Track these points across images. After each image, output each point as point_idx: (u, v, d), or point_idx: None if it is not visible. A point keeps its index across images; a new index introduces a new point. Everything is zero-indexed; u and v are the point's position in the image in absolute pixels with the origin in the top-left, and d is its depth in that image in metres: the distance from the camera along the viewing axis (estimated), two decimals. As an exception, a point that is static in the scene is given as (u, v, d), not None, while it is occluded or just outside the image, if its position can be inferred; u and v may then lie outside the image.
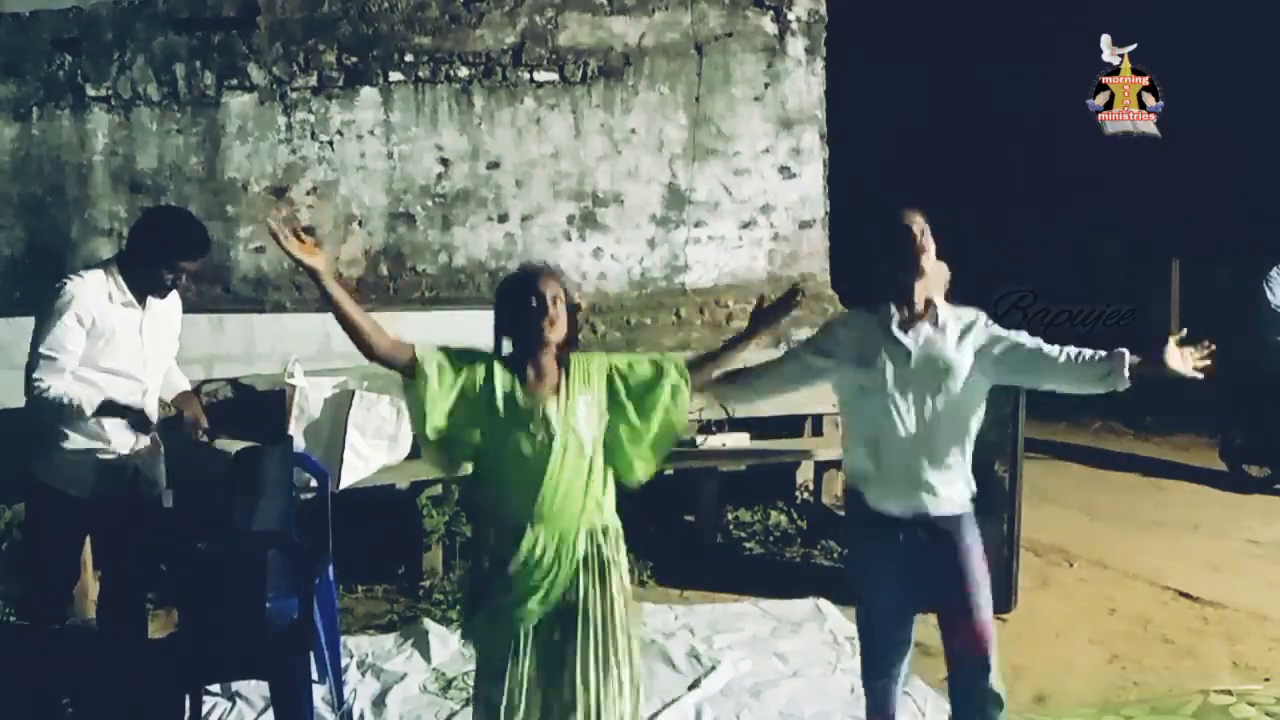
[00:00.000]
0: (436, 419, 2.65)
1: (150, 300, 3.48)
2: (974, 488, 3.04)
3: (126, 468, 3.46)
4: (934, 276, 2.99)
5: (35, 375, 3.27)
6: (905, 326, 2.97)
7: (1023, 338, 3.01)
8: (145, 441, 3.46)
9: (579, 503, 2.71)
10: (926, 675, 3.88)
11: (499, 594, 2.68)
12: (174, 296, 3.61)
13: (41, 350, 3.29)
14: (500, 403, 2.69)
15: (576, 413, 2.71)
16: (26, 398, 3.29)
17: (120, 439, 3.43)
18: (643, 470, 2.83)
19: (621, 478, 2.81)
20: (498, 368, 2.73)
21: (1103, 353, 2.95)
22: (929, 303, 2.99)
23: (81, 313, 3.31)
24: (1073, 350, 2.98)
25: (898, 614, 3.02)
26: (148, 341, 3.48)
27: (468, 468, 2.79)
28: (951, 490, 2.97)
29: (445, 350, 2.73)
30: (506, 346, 2.79)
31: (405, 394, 2.73)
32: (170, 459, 3.66)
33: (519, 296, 2.73)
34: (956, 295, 3.08)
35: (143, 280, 3.42)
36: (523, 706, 2.66)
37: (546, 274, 2.77)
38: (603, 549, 2.74)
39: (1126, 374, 2.91)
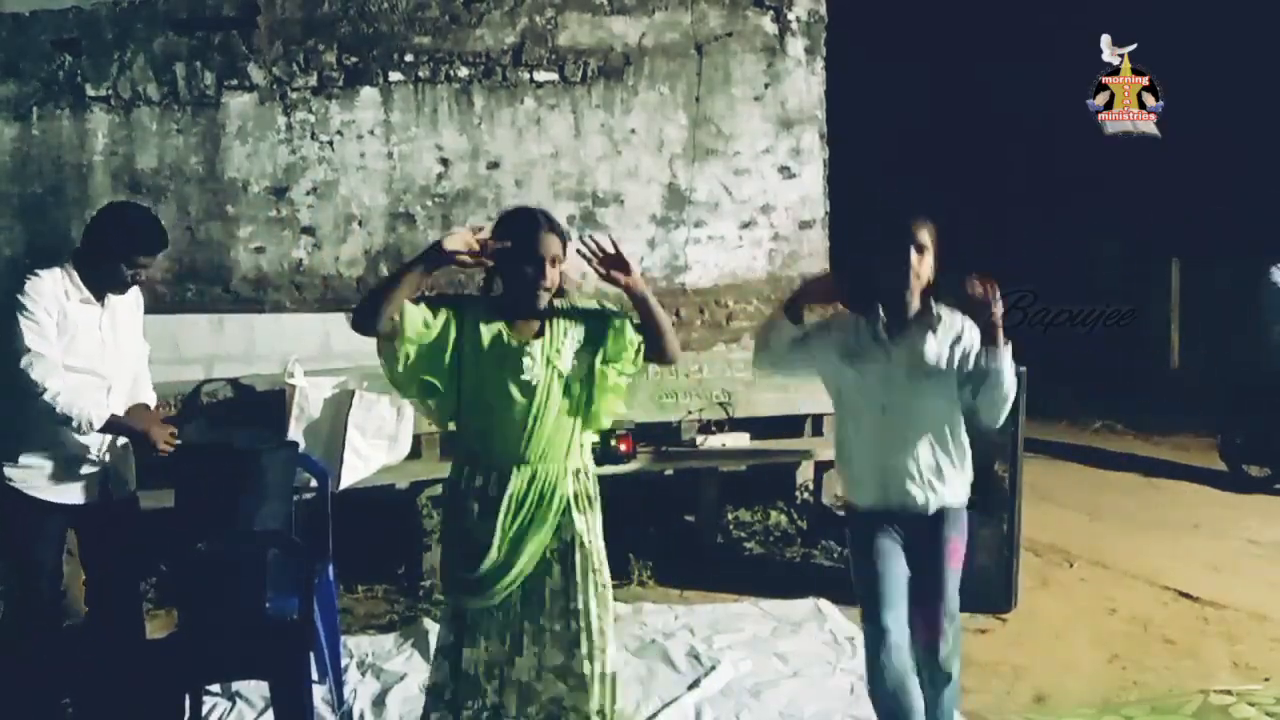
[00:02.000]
0: (409, 353, 2.68)
1: (109, 297, 3.43)
2: (966, 488, 3.10)
3: (97, 469, 3.42)
4: (927, 282, 3.04)
5: (34, 376, 3.19)
6: (892, 330, 3.03)
7: (984, 374, 3.02)
8: (106, 411, 3.36)
9: (564, 443, 2.76)
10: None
11: (487, 538, 2.69)
12: (134, 293, 3.56)
13: (26, 345, 3.20)
14: (486, 343, 2.72)
15: (563, 353, 2.75)
16: (25, 400, 3.21)
17: (91, 440, 3.38)
18: (605, 418, 2.85)
19: (585, 422, 2.84)
20: (483, 309, 2.77)
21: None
22: (923, 306, 3.04)
23: (50, 307, 3.26)
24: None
25: (893, 560, 3.05)
26: (108, 338, 3.43)
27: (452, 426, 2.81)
28: (934, 488, 3.03)
29: (424, 301, 2.75)
30: (498, 285, 2.83)
31: (382, 350, 2.74)
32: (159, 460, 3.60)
33: (517, 253, 2.72)
34: (954, 296, 3.10)
35: (100, 277, 3.36)
36: (487, 683, 2.74)
37: (546, 231, 2.74)
38: (589, 487, 2.82)
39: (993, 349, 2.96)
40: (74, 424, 3.23)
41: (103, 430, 3.29)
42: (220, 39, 5.76)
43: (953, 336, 3.03)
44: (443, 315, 2.73)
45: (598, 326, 2.82)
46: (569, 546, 2.76)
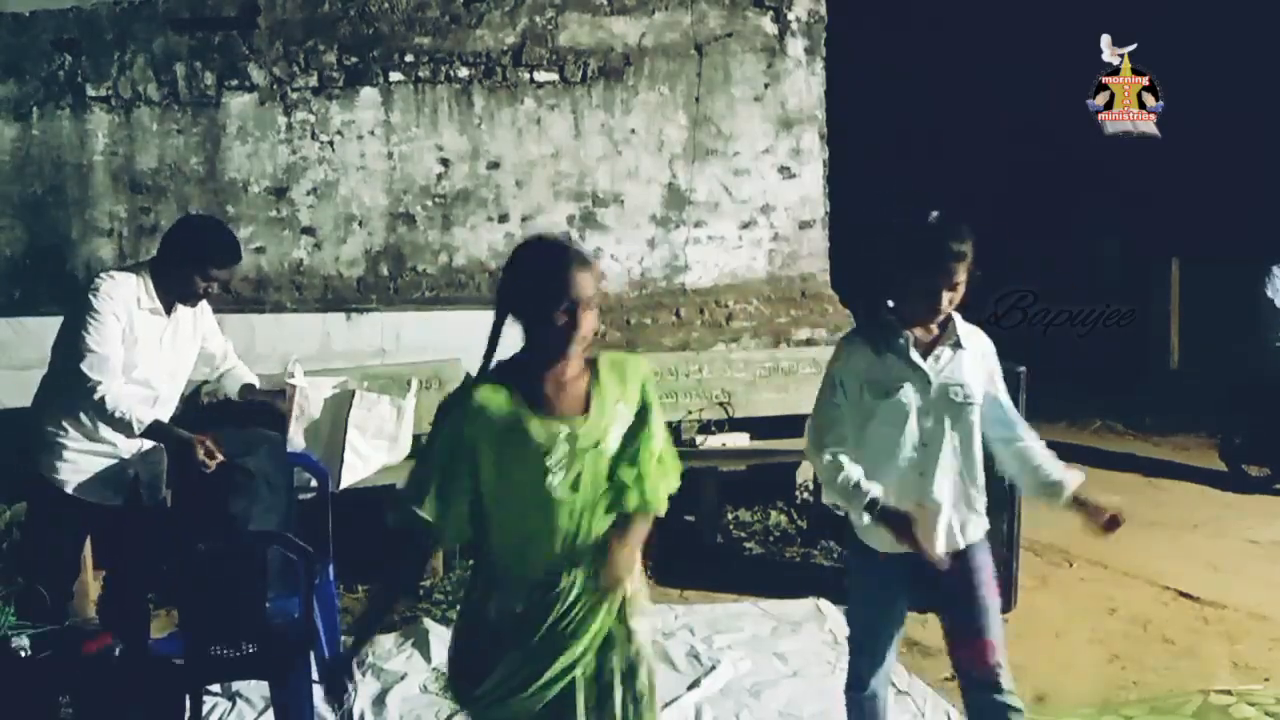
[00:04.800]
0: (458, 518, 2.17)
1: (177, 309, 3.48)
2: (986, 520, 2.89)
3: (127, 472, 3.47)
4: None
5: (92, 375, 3.23)
6: (924, 350, 2.75)
7: (1005, 398, 2.86)
8: (147, 446, 3.46)
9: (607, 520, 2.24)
10: (926, 675, 3.88)
11: (520, 665, 2.15)
12: (203, 306, 3.62)
13: (91, 345, 3.24)
14: (505, 435, 2.12)
15: (609, 430, 2.18)
16: (80, 397, 3.27)
17: (125, 443, 3.43)
18: (662, 500, 2.30)
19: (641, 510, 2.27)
20: (494, 395, 2.14)
21: (1054, 471, 2.83)
22: (946, 322, 2.78)
23: (119, 311, 3.30)
24: (1034, 444, 2.86)
25: (888, 635, 2.92)
26: (168, 351, 3.48)
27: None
28: (964, 528, 2.81)
29: (436, 471, 2.15)
30: (512, 334, 2.20)
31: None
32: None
33: (543, 294, 2.10)
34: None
35: (173, 287, 3.42)
36: None
37: (580, 265, 2.12)
38: (642, 584, 2.32)
39: (1066, 498, 2.79)
40: (121, 424, 3.27)
41: (147, 435, 3.32)
42: (220, 39, 5.76)
43: (979, 352, 2.80)
44: (457, 450, 2.14)
45: (636, 383, 2.25)
46: (624, 667, 2.24)
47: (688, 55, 6.12)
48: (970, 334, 2.81)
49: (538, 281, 2.11)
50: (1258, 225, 8.21)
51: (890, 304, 2.79)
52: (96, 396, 3.23)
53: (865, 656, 2.93)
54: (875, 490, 2.64)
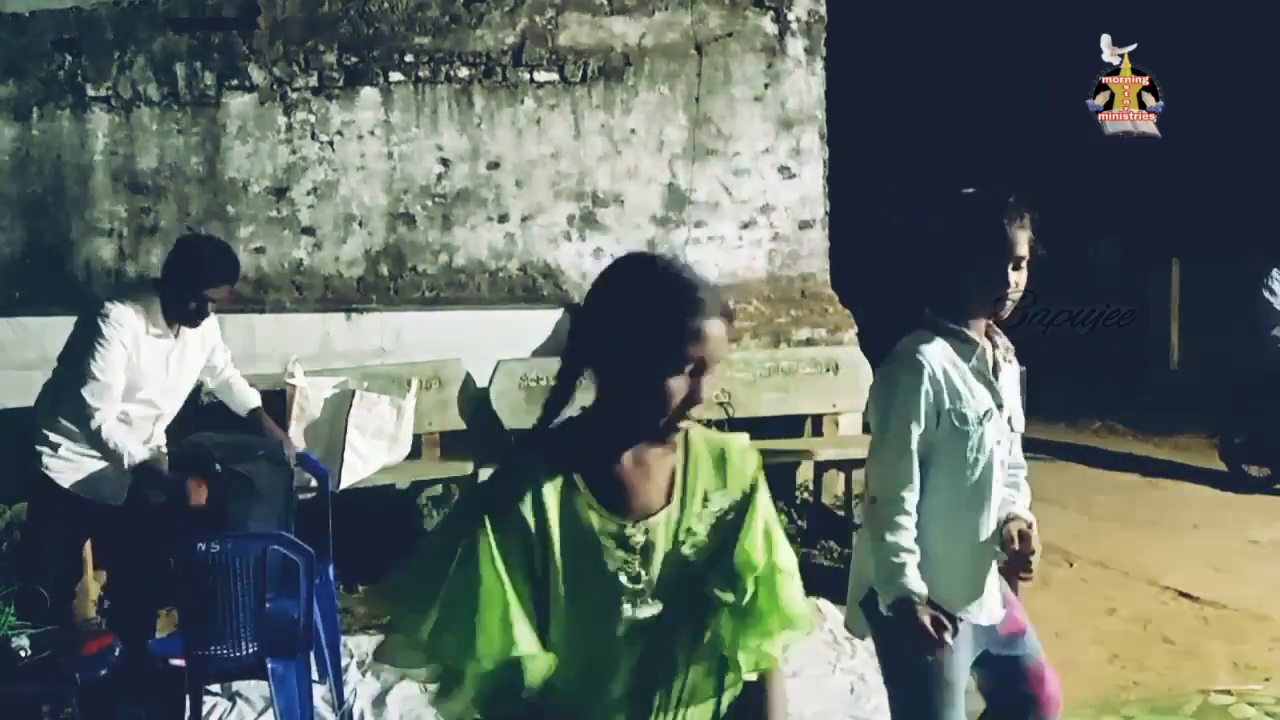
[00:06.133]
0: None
1: (183, 330, 3.53)
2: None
3: (126, 476, 3.49)
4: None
5: (91, 402, 3.33)
6: (993, 365, 2.29)
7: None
8: (146, 454, 3.49)
9: (713, 685, 1.61)
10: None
11: None
12: (208, 322, 3.65)
13: (95, 373, 3.33)
14: (569, 545, 1.48)
15: (697, 532, 1.55)
16: (80, 414, 3.36)
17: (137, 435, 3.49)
18: (753, 658, 1.61)
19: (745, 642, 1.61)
20: (552, 488, 1.48)
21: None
22: (991, 330, 2.33)
23: (126, 340, 3.37)
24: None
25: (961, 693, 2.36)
26: (173, 372, 3.54)
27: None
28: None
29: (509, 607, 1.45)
30: (581, 399, 1.55)
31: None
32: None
33: (658, 345, 1.46)
34: None
35: (176, 311, 3.47)
36: None
37: (716, 312, 1.49)
38: None
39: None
40: (113, 456, 3.37)
41: (135, 473, 3.40)
42: (220, 39, 5.75)
43: (1016, 369, 2.40)
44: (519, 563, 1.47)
45: (742, 477, 1.62)
46: None
47: (688, 55, 6.12)
48: (1009, 348, 2.40)
49: (654, 327, 1.46)
50: (1258, 225, 8.21)
51: (928, 310, 2.32)
52: (94, 425, 3.34)
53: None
54: (917, 586, 2.20)
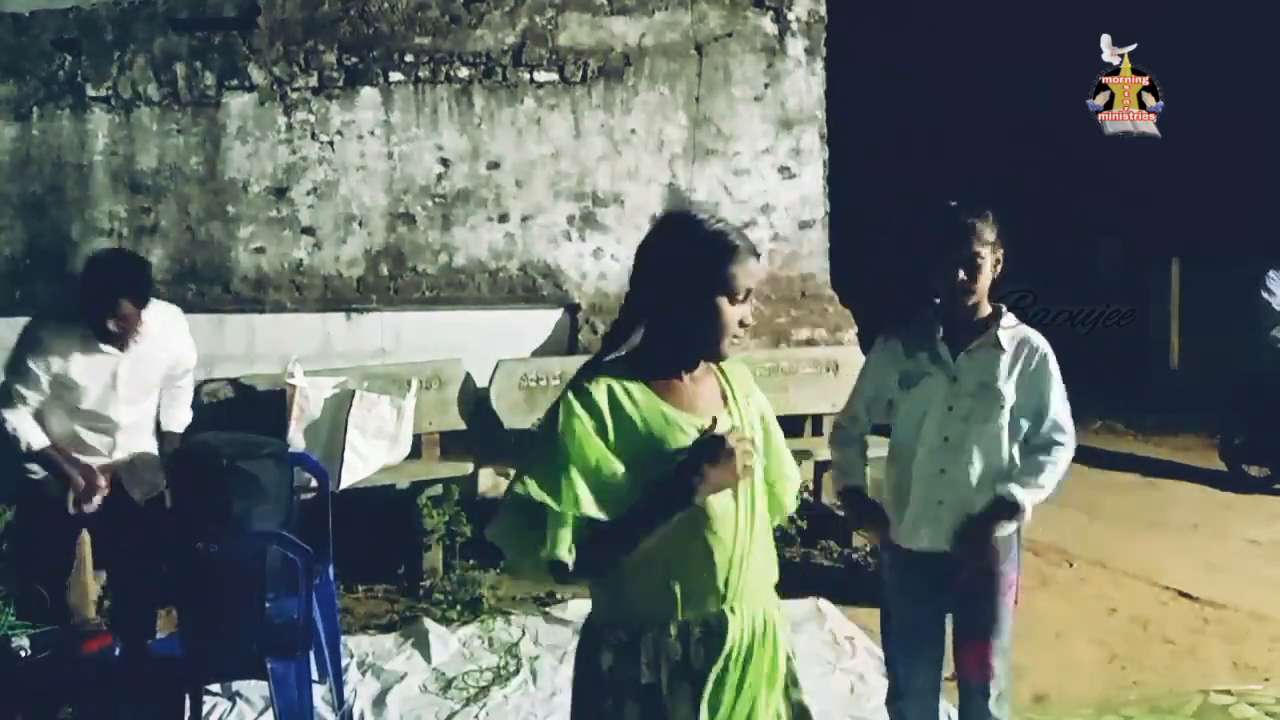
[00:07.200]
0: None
1: (132, 345, 3.47)
2: (1012, 524, 2.75)
3: (107, 470, 3.51)
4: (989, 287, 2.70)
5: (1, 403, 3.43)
6: (955, 346, 2.70)
7: (1043, 415, 2.73)
8: (121, 454, 3.53)
9: (770, 562, 1.95)
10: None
11: None
12: (172, 327, 3.63)
13: (14, 384, 3.42)
14: (652, 439, 1.79)
15: (754, 425, 1.96)
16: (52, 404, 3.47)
17: (100, 442, 3.55)
18: (790, 502, 2.17)
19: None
20: (632, 388, 1.82)
21: (1009, 489, 2.67)
22: (989, 318, 2.72)
23: (44, 365, 3.39)
24: (1028, 469, 2.72)
25: (922, 637, 2.79)
26: (124, 383, 3.52)
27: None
28: None
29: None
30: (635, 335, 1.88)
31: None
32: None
33: (706, 281, 1.81)
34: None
35: (98, 331, 3.41)
36: None
37: (745, 251, 1.84)
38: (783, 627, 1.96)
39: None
40: (11, 440, 3.43)
41: (36, 461, 3.46)
42: (220, 39, 5.76)
43: (1022, 357, 2.71)
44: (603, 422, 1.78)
45: (750, 381, 2.04)
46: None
47: (688, 55, 6.12)
48: (1018, 339, 2.72)
49: (710, 265, 1.80)
50: (1258, 225, 8.21)
51: (935, 301, 2.77)
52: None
53: (902, 663, 2.82)
54: (854, 480, 2.81)
